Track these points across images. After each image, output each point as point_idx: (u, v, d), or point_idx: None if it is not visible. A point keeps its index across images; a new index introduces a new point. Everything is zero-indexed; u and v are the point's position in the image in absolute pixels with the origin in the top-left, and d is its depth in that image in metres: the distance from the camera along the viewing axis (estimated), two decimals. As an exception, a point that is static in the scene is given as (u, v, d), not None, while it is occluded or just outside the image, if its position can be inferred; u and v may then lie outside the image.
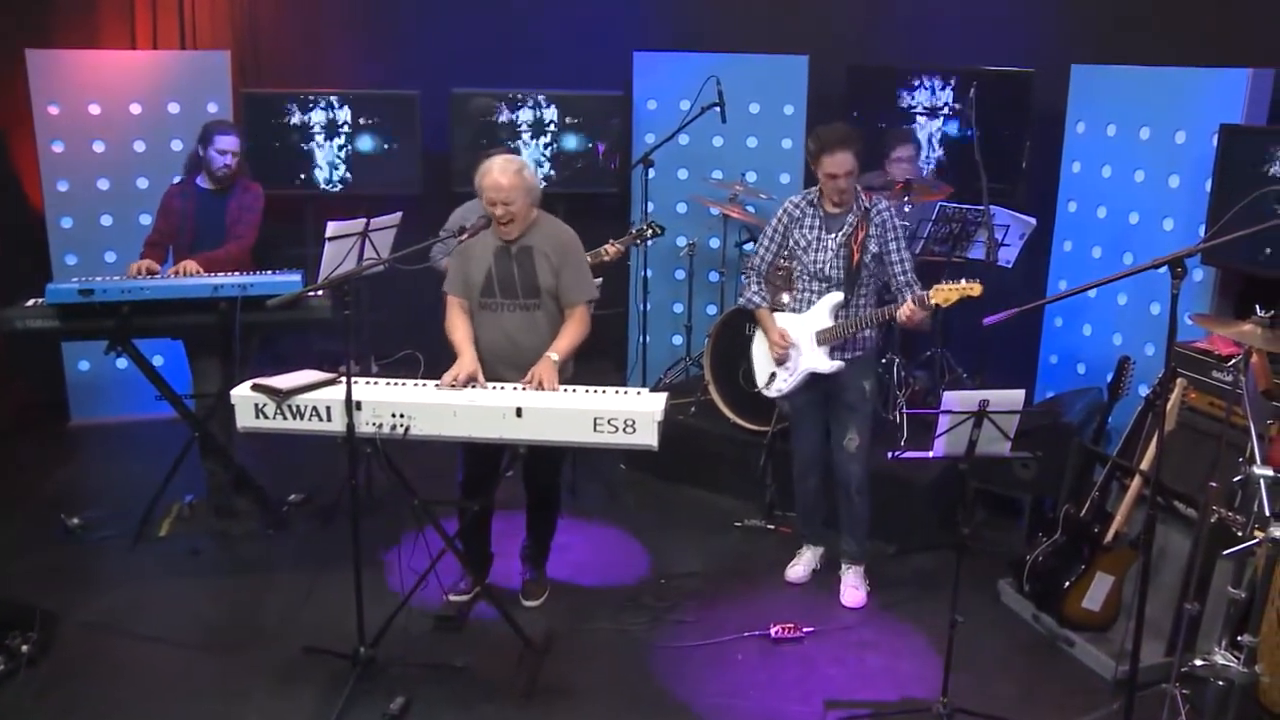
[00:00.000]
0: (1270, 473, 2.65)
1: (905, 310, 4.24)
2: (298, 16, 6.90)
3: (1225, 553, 2.53)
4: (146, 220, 6.16)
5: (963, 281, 4.13)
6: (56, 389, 6.47)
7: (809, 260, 4.49)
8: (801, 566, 4.87)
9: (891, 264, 4.43)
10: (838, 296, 4.46)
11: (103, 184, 6.24)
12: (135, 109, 6.19)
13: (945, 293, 4.13)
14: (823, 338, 4.48)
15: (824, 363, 4.49)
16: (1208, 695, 2.72)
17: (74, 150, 6.16)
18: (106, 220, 6.28)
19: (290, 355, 5.67)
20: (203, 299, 4.67)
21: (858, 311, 4.45)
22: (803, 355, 4.54)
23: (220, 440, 5.06)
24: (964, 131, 6.04)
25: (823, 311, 4.49)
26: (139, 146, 6.24)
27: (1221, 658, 2.50)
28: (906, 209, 5.41)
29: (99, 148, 6.19)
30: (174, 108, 6.23)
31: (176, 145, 6.20)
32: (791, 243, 4.55)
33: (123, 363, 6.26)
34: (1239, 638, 2.49)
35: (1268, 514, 2.59)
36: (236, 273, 4.80)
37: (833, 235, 4.45)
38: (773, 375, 4.68)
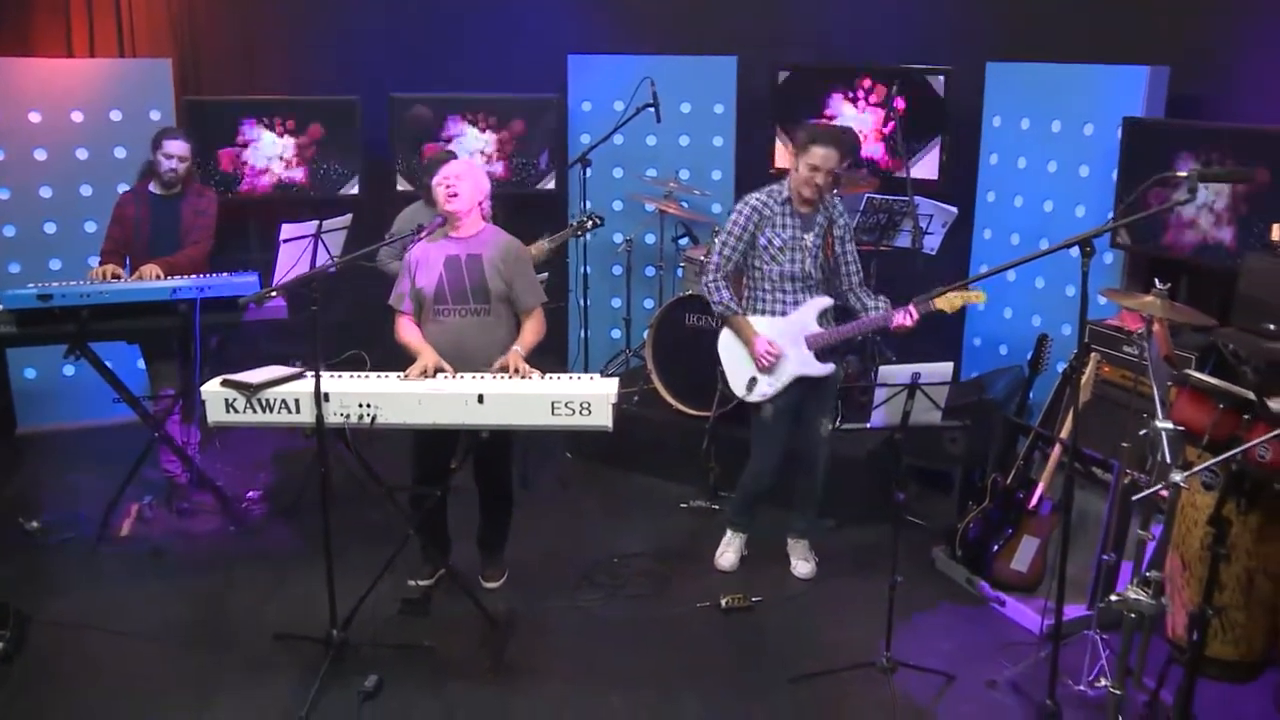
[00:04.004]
0: (1170, 425, 2.96)
1: (904, 319, 4.33)
2: (236, 23, 6.96)
3: (1134, 498, 2.82)
4: (91, 227, 6.26)
5: (963, 289, 4.24)
6: (2, 396, 6.46)
7: (784, 259, 4.52)
8: (732, 553, 4.97)
9: (847, 263, 4.60)
10: (825, 301, 4.56)
11: (45, 192, 6.27)
12: (77, 117, 6.22)
13: (950, 300, 4.23)
14: (813, 342, 4.55)
15: (817, 367, 4.56)
16: (1122, 628, 3.01)
17: (15, 158, 6.17)
18: (50, 228, 6.31)
19: (238, 359, 5.78)
20: (161, 302, 4.77)
21: (833, 314, 4.61)
22: (790, 361, 4.58)
23: (178, 442, 5.17)
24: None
25: (810, 316, 4.56)
26: (81, 154, 6.27)
27: (1133, 593, 2.80)
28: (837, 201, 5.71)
29: (40, 155, 6.21)
30: (116, 115, 6.28)
31: (120, 153, 6.27)
32: (762, 241, 4.54)
33: (70, 370, 6.32)
34: (1146, 574, 2.79)
35: (1169, 461, 2.89)
36: (194, 276, 4.92)
37: (808, 235, 4.52)
38: (752, 380, 4.63)
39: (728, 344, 4.74)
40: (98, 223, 6.17)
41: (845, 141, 4.51)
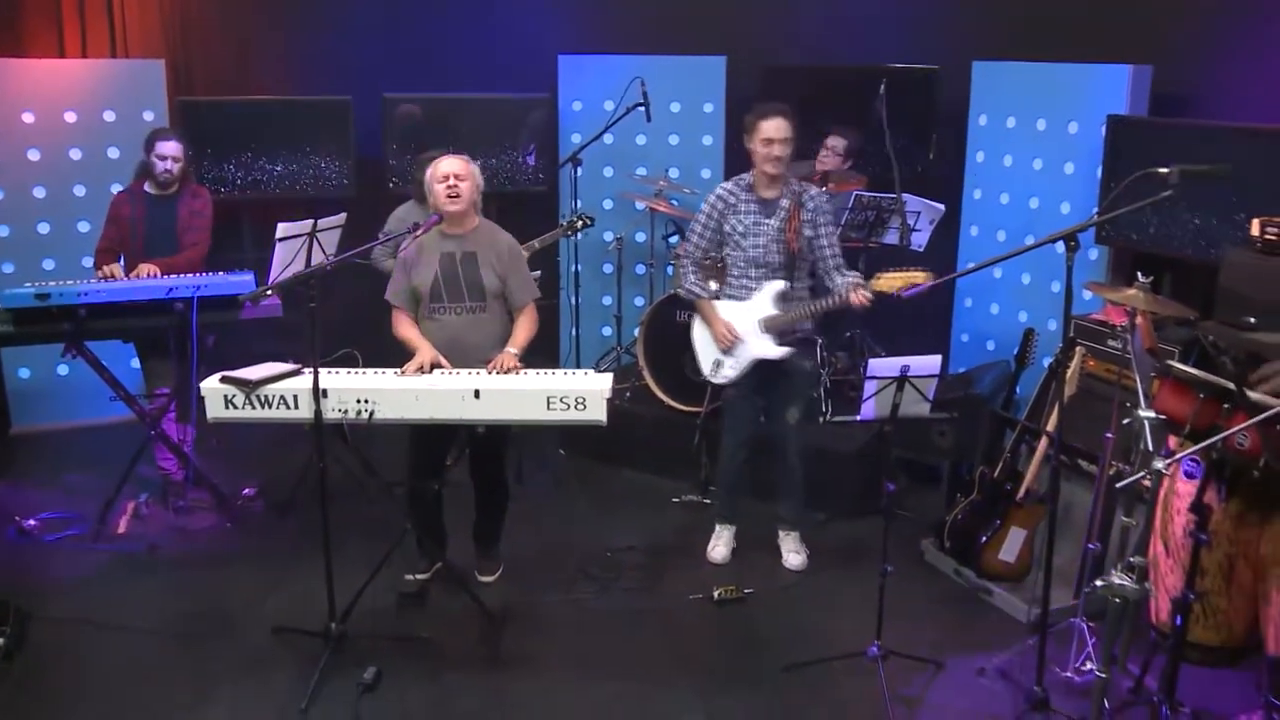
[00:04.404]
0: (1153, 414, 3.04)
1: (858, 297, 4.43)
2: (228, 24, 7.00)
3: (1118, 485, 2.89)
4: (85, 227, 6.29)
5: (907, 269, 4.34)
6: (-4, 396, 6.51)
7: (747, 245, 4.67)
8: (723, 546, 5.08)
9: (821, 248, 4.68)
10: (780, 284, 4.67)
11: (39, 192, 6.29)
12: (70, 117, 6.25)
13: (891, 280, 4.33)
14: (769, 325, 4.68)
15: (772, 350, 4.69)
16: (1106, 614, 3.08)
17: (8, 158, 6.19)
18: (44, 228, 6.34)
19: (234, 358, 5.84)
20: (158, 300, 4.82)
21: (799, 297, 4.70)
22: (749, 344, 4.73)
23: (174, 439, 5.21)
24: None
25: (766, 300, 4.69)
26: (75, 154, 6.30)
27: (1117, 578, 2.87)
28: (826, 198, 5.78)
29: (34, 155, 6.23)
30: (110, 116, 6.31)
31: (113, 153, 6.31)
32: (727, 229, 4.71)
33: (64, 369, 6.36)
34: (1130, 559, 2.86)
35: (1150, 449, 2.97)
36: (190, 275, 4.97)
37: (770, 220, 4.65)
38: (718, 363, 4.83)
39: (698, 329, 4.91)
40: (91, 223, 6.21)
41: (793, 115, 4.58)
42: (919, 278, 4.26)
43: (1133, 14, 5.78)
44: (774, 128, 4.52)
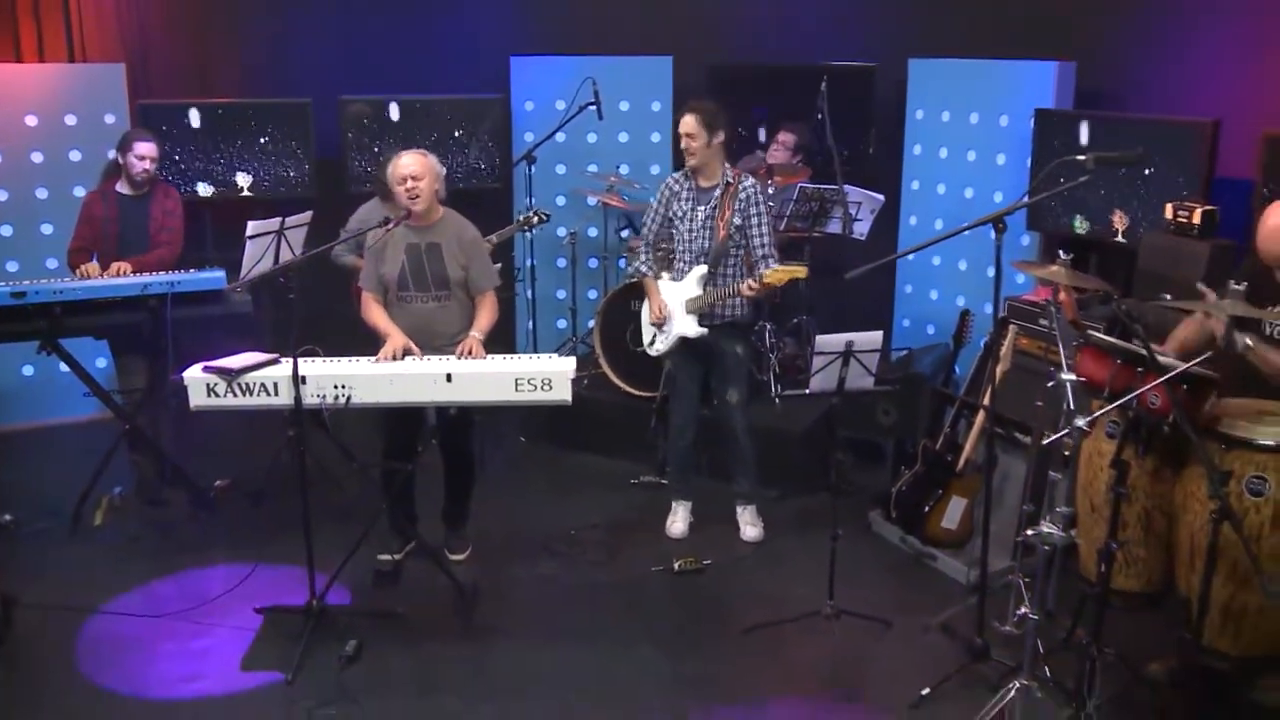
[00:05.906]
0: (1074, 377, 3.34)
1: (743, 287, 4.83)
2: (186, 27, 7.10)
3: (1044, 441, 3.17)
4: (48, 229, 6.39)
5: (790, 264, 4.79)
6: (-39, 397, 6.57)
7: (683, 230, 5.01)
8: (680, 522, 5.35)
9: (751, 237, 4.96)
10: (703, 269, 4.98)
11: (0, 195, 6.39)
12: (31, 121, 6.34)
13: (777, 274, 4.73)
14: (690, 306, 5.01)
15: (693, 329, 5.02)
16: (1038, 561, 3.36)
17: (-31, 162, 6.29)
18: (6, 230, 6.41)
19: (198, 355, 5.96)
20: (132, 297, 4.96)
21: (723, 283, 4.98)
22: (675, 321, 5.09)
23: (148, 433, 5.35)
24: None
25: (691, 282, 5.01)
26: (36, 158, 6.39)
27: (1046, 526, 3.16)
28: (771, 190, 6.06)
29: (-5, 159, 6.34)
30: (71, 119, 6.41)
31: (75, 156, 6.41)
32: (671, 215, 5.05)
33: (29, 370, 6.45)
34: (1059, 509, 3.15)
35: (1073, 409, 3.27)
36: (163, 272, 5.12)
37: (701, 208, 4.96)
38: (654, 336, 5.23)
39: (645, 306, 5.30)
40: (54, 225, 6.32)
41: (703, 108, 4.85)
42: (800, 272, 4.71)
43: (1058, 14, 6.13)
44: (682, 124, 4.87)
